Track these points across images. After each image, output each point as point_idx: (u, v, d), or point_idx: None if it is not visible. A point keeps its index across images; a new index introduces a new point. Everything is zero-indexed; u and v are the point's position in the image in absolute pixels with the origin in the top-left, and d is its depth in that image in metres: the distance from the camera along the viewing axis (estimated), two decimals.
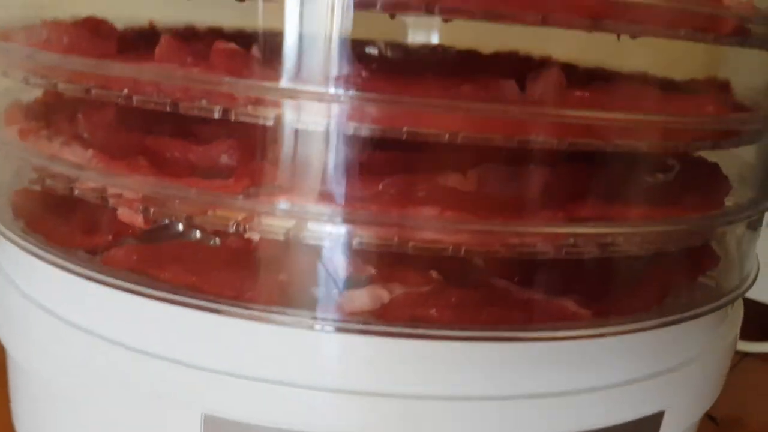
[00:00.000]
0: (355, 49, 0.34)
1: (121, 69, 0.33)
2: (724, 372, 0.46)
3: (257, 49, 0.37)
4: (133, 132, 0.41)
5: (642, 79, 0.42)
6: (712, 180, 0.45)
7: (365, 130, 0.31)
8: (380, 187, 0.37)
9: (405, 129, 0.31)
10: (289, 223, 0.33)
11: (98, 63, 0.33)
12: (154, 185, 0.34)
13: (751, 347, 0.72)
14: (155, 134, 0.41)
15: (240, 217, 0.33)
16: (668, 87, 0.44)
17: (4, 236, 0.41)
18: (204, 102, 0.32)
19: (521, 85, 0.38)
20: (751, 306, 0.54)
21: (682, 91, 0.44)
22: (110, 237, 0.41)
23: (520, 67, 0.40)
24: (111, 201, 0.35)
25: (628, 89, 0.37)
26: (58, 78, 0.35)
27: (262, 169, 0.35)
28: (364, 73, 0.35)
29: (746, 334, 0.61)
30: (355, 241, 0.33)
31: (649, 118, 0.33)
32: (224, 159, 0.40)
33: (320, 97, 0.30)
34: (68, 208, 0.42)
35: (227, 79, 0.32)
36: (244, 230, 0.33)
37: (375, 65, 0.36)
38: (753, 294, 0.49)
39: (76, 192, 0.36)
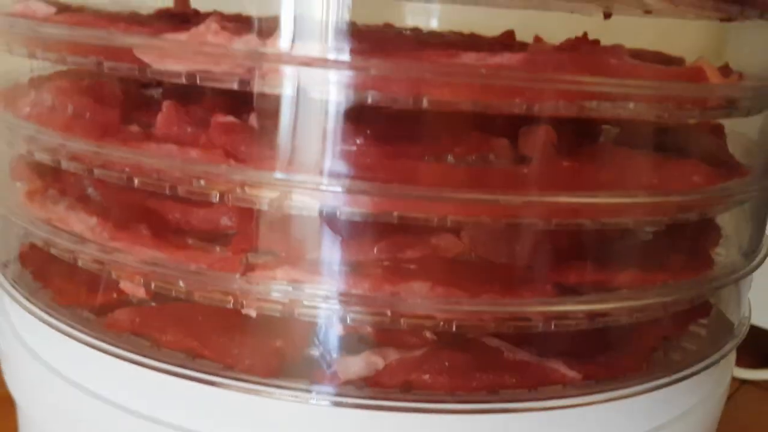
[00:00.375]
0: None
1: (122, 154, 0.34)
2: (718, 416, 0.47)
3: (254, 118, 0.38)
4: (137, 191, 0.42)
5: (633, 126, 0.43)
6: (702, 230, 0.45)
7: (357, 216, 0.32)
8: (375, 250, 0.38)
9: (396, 214, 0.32)
10: (285, 299, 0.34)
11: (100, 147, 0.34)
12: (154, 263, 0.35)
13: (749, 374, 0.72)
14: (158, 195, 0.42)
15: (238, 292, 0.34)
16: (659, 136, 0.44)
17: (11, 297, 0.42)
18: (202, 182, 0.33)
19: (514, 134, 0.39)
20: (748, 331, 0.54)
21: (674, 139, 0.45)
22: (115, 295, 0.42)
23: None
24: (113, 273, 0.36)
25: (616, 154, 0.38)
26: (61, 156, 0.36)
27: (258, 241, 0.36)
28: (359, 141, 0.36)
29: (744, 360, 0.61)
30: (349, 318, 0.34)
31: (635, 200, 0.34)
32: (224, 221, 0.41)
33: (313, 187, 0.31)
34: (74, 264, 0.43)
35: (224, 167, 0.33)
36: (242, 306, 0.34)
37: (370, 131, 0.37)
38: (751, 319, 0.49)
39: (80, 263, 0.37)
